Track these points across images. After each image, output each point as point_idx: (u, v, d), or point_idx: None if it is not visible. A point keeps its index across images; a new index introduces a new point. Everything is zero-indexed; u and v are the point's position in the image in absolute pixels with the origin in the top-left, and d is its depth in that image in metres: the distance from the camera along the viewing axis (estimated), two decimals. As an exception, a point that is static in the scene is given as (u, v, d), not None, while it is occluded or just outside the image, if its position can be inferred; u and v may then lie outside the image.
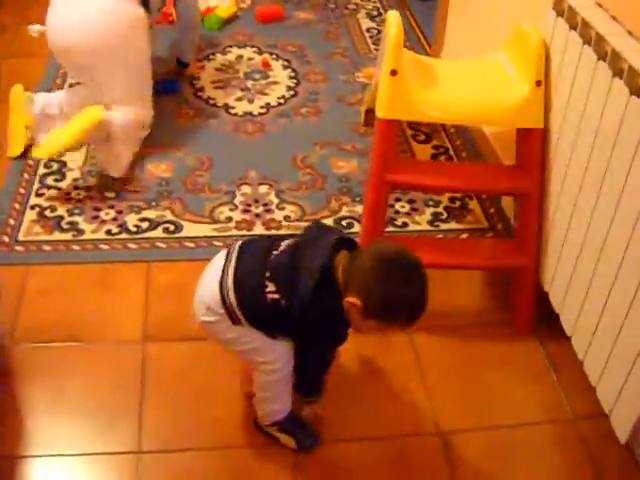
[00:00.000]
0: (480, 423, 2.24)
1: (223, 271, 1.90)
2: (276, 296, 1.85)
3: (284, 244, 1.92)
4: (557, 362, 2.41)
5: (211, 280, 1.91)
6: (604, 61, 2.03)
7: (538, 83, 2.32)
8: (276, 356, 1.97)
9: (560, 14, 2.27)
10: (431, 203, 3.00)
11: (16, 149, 3.09)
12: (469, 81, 2.50)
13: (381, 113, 2.35)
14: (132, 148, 3.07)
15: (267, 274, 1.86)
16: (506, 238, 2.83)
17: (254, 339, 1.93)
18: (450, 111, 2.39)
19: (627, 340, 1.97)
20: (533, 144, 2.38)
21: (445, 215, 2.95)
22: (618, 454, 2.14)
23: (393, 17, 2.40)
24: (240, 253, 1.94)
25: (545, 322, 2.45)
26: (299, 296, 1.80)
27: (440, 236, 2.86)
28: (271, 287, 1.85)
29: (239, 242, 1.99)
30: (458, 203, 3.02)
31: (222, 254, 1.97)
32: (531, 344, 2.48)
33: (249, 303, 1.88)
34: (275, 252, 1.90)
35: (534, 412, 2.29)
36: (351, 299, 1.79)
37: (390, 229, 2.84)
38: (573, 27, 2.20)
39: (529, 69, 2.33)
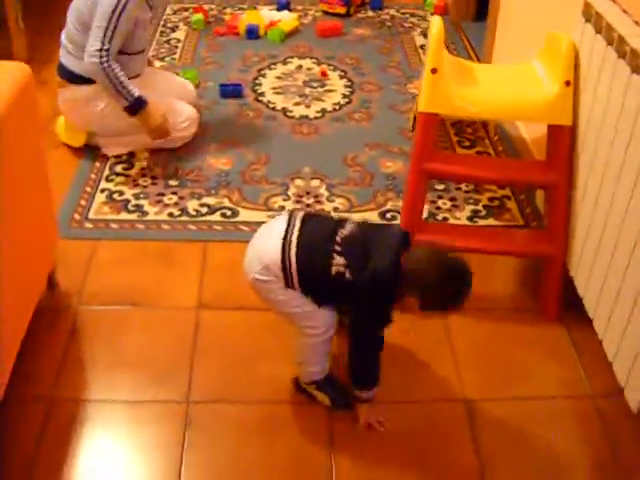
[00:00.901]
0: (503, 394, 2.41)
1: (285, 237, 2.10)
2: (341, 269, 2.06)
3: (349, 225, 2.15)
4: (580, 345, 2.57)
5: (273, 242, 2.11)
6: (624, 59, 2.22)
7: (567, 83, 2.50)
8: (320, 321, 2.18)
9: (588, 20, 2.47)
10: (471, 201, 3.19)
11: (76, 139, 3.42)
12: (504, 82, 2.70)
13: (422, 107, 2.57)
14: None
15: (337, 248, 2.07)
16: (538, 229, 3.00)
17: (302, 304, 2.14)
18: (485, 106, 2.59)
19: (637, 324, 2.14)
20: (562, 140, 2.56)
21: (484, 212, 3.13)
22: (634, 428, 2.29)
23: (435, 20, 2.61)
24: (303, 223, 2.14)
25: (572, 309, 2.61)
26: (372, 270, 2.02)
27: (477, 227, 3.05)
28: (339, 260, 2.06)
29: (300, 213, 2.20)
30: (497, 202, 3.20)
31: (282, 220, 2.17)
32: (557, 328, 2.64)
33: (310, 271, 2.09)
34: (343, 230, 2.12)
35: (555, 387, 2.45)
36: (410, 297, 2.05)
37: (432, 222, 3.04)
38: (599, 31, 2.39)
39: (559, 70, 2.52)
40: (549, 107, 2.52)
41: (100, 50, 3.06)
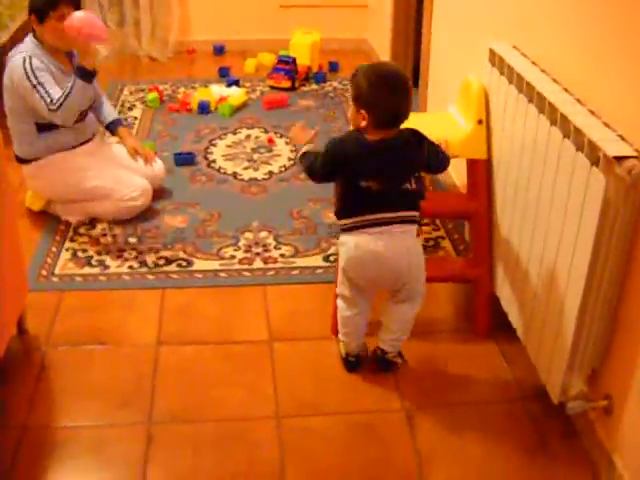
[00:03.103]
0: (441, 401, 2.64)
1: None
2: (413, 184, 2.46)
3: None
4: (509, 355, 2.82)
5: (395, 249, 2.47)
6: (522, 93, 2.53)
7: (480, 121, 2.82)
8: None
9: (493, 64, 2.80)
10: (408, 242, 3.46)
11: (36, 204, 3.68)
12: (424, 125, 2.99)
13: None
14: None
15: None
16: (466, 256, 3.27)
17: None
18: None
19: (551, 323, 2.40)
20: (479, 173, 2.86)
21: (420, 250, 3.40)
22: (559, 423, 2.53)
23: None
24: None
25: (500, 325, 2.85)
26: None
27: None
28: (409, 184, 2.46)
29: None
30: (432, 242, 3.48)
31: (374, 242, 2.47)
32: (488, 342, 2.90)
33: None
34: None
35: (488, 394, 2.68)
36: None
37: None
38: (502, 73, 2.71)
39: (472, 111, 2.83)
40: (464, 143, 2.82)
41: (47, 105, 3.30)
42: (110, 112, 3.80)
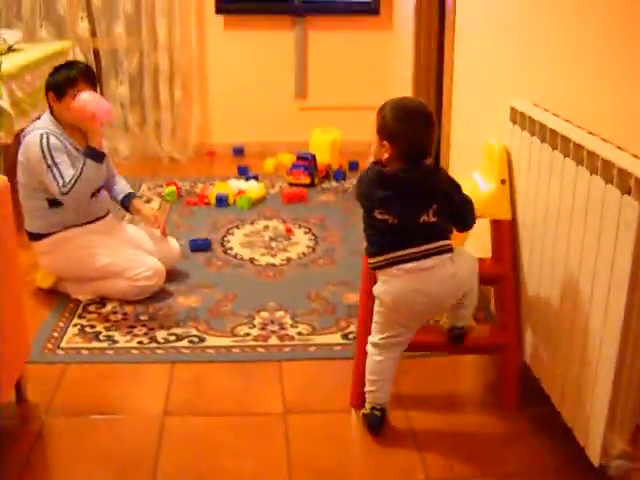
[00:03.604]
0: (469, 474, 2.43)
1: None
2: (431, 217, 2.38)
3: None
4: (542, 426, 2.62)
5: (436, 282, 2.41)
6: (546, 142, 2.45)
7: (502, 181, 2.72)
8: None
9: (514, 122, 2.72)
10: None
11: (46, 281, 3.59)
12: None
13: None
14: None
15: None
16: (489, 323, 3.10)
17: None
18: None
19: (587, 381, 2.24)
20: (504, 234, 2.75)
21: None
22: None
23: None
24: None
25: (529, 397, 2.70)
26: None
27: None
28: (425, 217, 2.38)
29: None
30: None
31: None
32: (518, 414, 2.70)
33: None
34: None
35: (521, 464, 2.48)
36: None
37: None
38: (524, 128, 2.64)
39: (494, 171, 2.74)
40: (487, 204, 2.72)
41: (59, 187, 3.28)
42: (123, 188, 3.75)
